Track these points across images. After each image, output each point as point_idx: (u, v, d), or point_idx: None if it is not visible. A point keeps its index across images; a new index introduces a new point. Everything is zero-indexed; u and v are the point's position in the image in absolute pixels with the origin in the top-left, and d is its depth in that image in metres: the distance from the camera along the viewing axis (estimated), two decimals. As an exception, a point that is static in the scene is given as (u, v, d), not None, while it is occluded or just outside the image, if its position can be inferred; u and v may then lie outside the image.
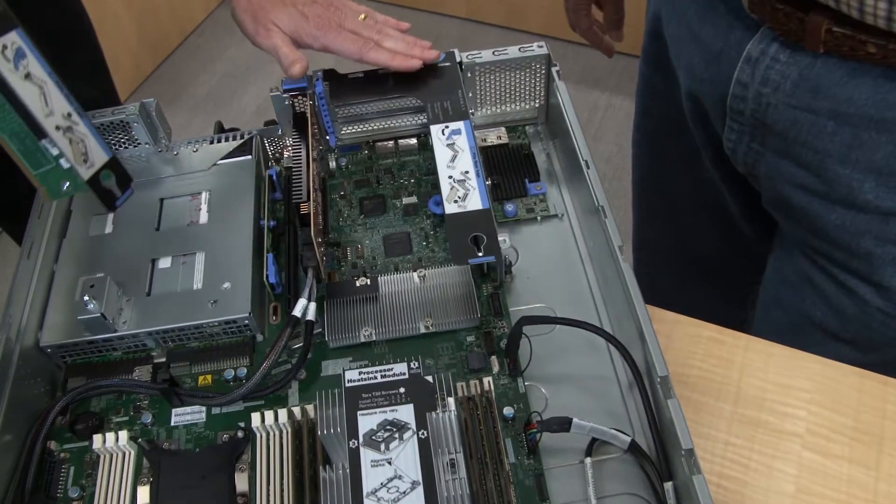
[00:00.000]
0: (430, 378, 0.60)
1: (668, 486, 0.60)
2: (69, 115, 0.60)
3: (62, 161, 0.60)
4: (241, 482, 0.64)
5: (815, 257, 0.79)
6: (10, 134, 0.58)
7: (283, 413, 0.66)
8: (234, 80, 2.45)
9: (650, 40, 0.94)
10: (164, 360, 0.74)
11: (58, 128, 0.59)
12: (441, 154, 0.75)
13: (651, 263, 1.26)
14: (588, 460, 0.63)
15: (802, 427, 0.68)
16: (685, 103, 0.89)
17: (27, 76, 0.57)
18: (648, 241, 1.22)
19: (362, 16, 0.81)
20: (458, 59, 0.84)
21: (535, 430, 0.63)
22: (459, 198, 0.71)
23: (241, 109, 2.36)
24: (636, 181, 1.16)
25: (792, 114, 0.72)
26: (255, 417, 0.66)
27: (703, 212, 1.05)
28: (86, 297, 0.69)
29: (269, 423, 0.66)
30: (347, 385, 0.61)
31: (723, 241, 1.08)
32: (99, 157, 0.62)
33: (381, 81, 0.82)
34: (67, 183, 0.61)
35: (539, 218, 0.81)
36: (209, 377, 0.73)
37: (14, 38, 0.56)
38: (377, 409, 0.59)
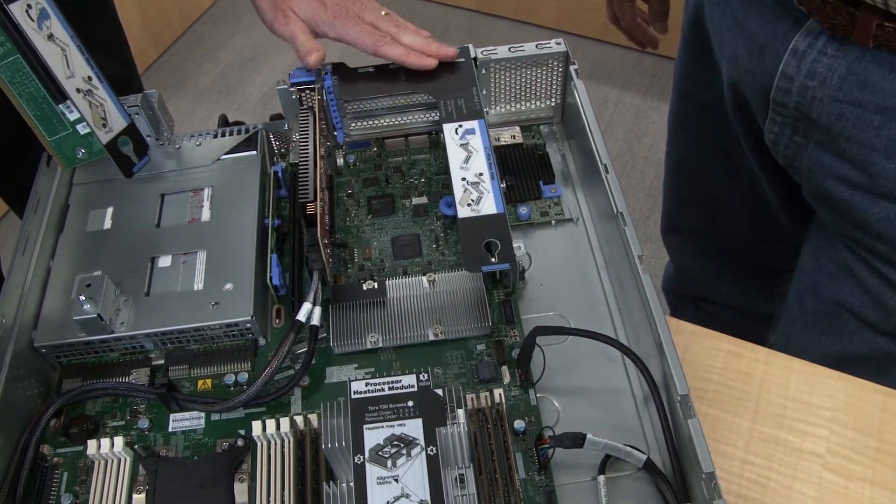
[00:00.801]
0: (439, 391, 0.58)
1: (686, 508, 0.57)
2: (90, 78, 0.59)
3: (79, 126, 0.59)
4: (241, 493, 0.62)
5: (857, 249, 0.78)
6: (27, 98, 0.58)
7: (285, 422, 0.64)
8: (239, 70, 2.43)
9: (691, 29, 0.94)
10: (162, 362, 0.72)
11: (79, 90, 0.59)
12: (454, 154, 0.72)
13: (682, 249, 1.26)
14: (601, 478, 0.61)
15: (823, 447, 0.66)
16: (726, 93, 0.88)
17: (50, 37, 0.57)
18: (680, 228, 1.22)
19: (383, 12, 0.79)
20: (472, 55, 0.81)
21: (547, 445, 0.61)
22: (473, 201, 0.68)
23: (246, 98, 2.33)
24: (671, 167, 1.16)
25: (838, 107, 0.71)
26: (257, 426, 0.64)
27: (739, 199, 1.05)
28: (82, 297, 0.67)
29: (270, 432, 0.63)
30: (353, 397, 0.58)
31: (757, 229, 1.07)
32: (118, 122, 0.62)
33: (392, 76, 0.80)
34: (83, 150, 0.61)
35: (553, 222, 0.79)
36: (209, 381, 0.70)
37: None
38: (384, 424, 0.57)
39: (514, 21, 2.47)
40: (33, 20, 0.56)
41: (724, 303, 1.25)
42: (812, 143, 0.77)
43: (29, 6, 0.56)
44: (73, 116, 0.60)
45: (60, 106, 0.59)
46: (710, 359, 0.71)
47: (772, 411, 0.68)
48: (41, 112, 0.59)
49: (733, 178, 1.03)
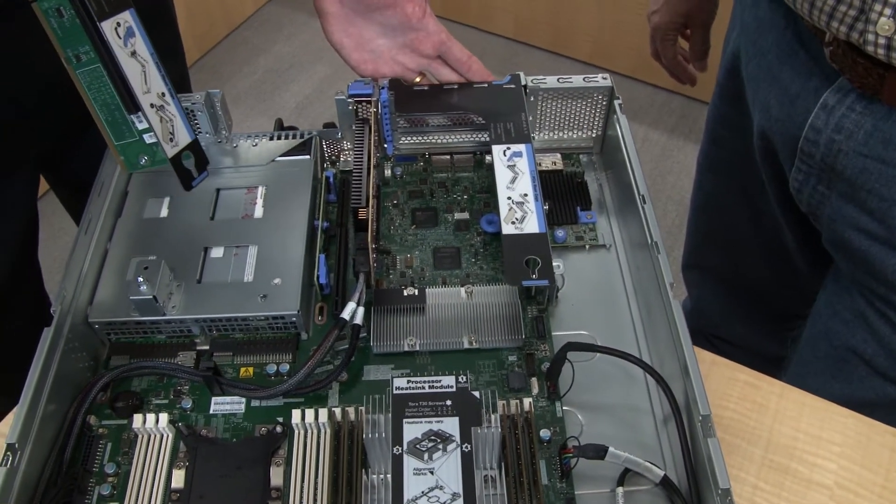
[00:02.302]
0: (476, 393, 0.61)
1: (699, 523, 0.61)
2: (163, 94, 0.62)
3: (146, 136, 0.62)
4: (276, 476, 0.65)
5: (872, 298, 0.81)
6: (101, 104, 0.61)
7: (323, 412, 0.67)
8: (277, 76, 2.48)
9: (726, 76, 0.97)
10: (206, 347, 0.75)
11: (152, 105, 0.62)
12: (501, 175, 0.76)
13: (701, 286, 1.29)
14: (620, 490, 0.64)
15: (831, 479, 0.69)
16: (756, 140, 0.91)
17: (133, 54, 0.60)
18: (700, 265, 1.25)
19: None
20: (523, 83, 0.85)
21: (570, 454, 0.64)
22: (517, 219, 0.72)
23: (281, 106, 2.38)
24: (696, 206, 1.19)
25: (862, 161, 0.74)
26: (296, 414, 0.67)
27: (759, 242, 1.08)
28: (140, 279, 0.71)
29: (308, 421, 0.67)
30: (395, 392, 0.62)
31: (775, 272, 1.10)
32: (183, 137, 0.65)
33: (446, 96, 0.84)
34: (145, 157, 0.64)
35: (587, 246, 0.82)
36: (251, 370, 0.74)
37: (127, 18, 0.59)
38: (423, 419, 0.60)
39: (549, 52, 2.51)
40: (120, 37, 0.60)
41: (737, 342, 1.28)
42: (835, 193, 0.80)
43: (118, 24, 0.59)
44: (141, 126, 0.62)
45: (132, 116, 0.62)
46: (728, 388, 0.75)
47: (784, 442, 0.71)
48: (112, 118, 0.62)
49: (755, 222, 1.06)
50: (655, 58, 1.14)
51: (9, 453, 0.61)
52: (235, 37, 2.62)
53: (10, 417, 0.73)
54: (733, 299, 1.24)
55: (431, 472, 0.57)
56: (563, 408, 0.69)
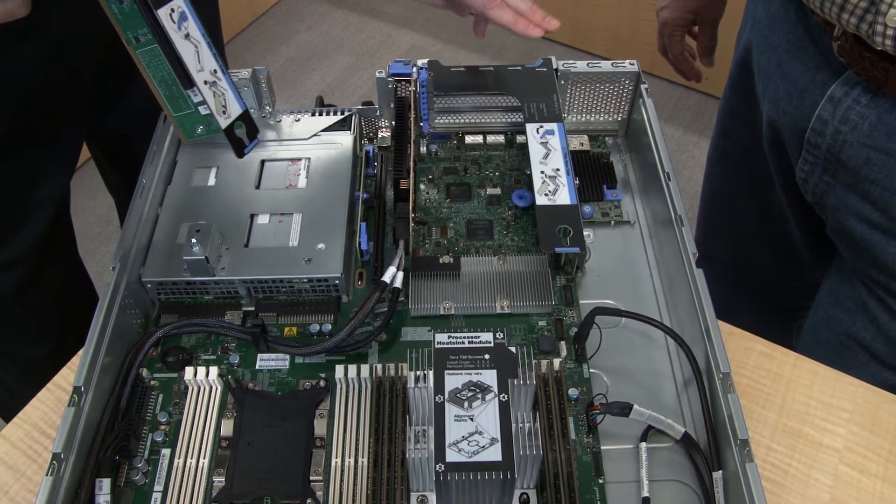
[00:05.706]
0: (513, 349, 0.66)
1: (717, 475, 0.65)
2: (215, 71, 0.67)
3: (201, 108, 0.67)
4: (319, 427, 0.70)
5: (872, 286, 0.84)
6: (159, 80, 0.66)
7: (365, 368, 0.71)
8: (299, 65, 2.52)
9: (738, 69, 1.00)
10: (251, 308, 0.79)
11: (205, 82, 0.66)
12: (535, 150, 0.80)
13: (707, 277, 1.31)
14: (643, 445, 0.68)
15: (841, 443, 0.73)
16: (765, 132, 0.94)
17: (186, 36, 0.65)
18: (708, 256, 1.26)
19: None
20: (554, 66, 0.89)
21: (597, 411, 0.68)
22: (550, 192, 0.77)
23: (303, 94, 2.42)
24: (705, 198, 1.22)
25: (866, 152, 0.77)
26: (339, 369, 0.72)
27: (766, 234, 1.11)
28: (193, 240, 0.75)
29: (351, 376, 0.71)
30: (437, 346, 0.66)
31: (780, 264, 1.13)
32: (235, 109, 0.69)
33: (481, 77, 0.88)
34: (201, 127, 0.68)
35: (612, 222, 0.87)
36: (294, 329, 0.78)
37: (180, 4, 0.64)
38: (463, 371, 0.64)
39: (567, 47, 2.55)
40: (174, 22, 0.65)
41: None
42: (839, 183, 0.83)
43: (172, 10, 0.64)
44: (196, 99, 0.67)
45: (188, 91, 0.67)
46: (745, 357, 0.79)
47: (796, 408, 0.75)
48: (170, 92, 0.67)
49: (762, 214, 1.08)
50: (662, 53, 1.17)
51: (75, 395, 0.65)
52: (258, 25, 2.67)
53: (65, 370, 0.78)
54: (738, 290, 1.25)
55: (471, 419, 0.61)
56: (590, 370, 0.74)
